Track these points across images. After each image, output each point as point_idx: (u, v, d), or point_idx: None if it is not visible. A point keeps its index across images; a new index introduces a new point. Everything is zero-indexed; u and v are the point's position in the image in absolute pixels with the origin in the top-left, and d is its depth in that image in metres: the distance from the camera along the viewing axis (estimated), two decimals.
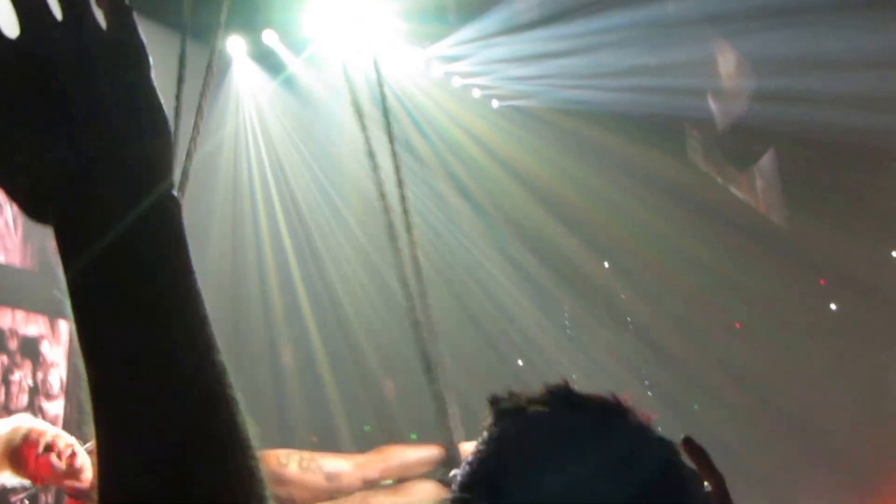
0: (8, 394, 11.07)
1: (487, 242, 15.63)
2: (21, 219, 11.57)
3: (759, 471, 12.90)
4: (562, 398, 1.55)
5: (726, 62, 14.19)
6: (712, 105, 14.71)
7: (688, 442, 1.52)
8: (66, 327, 11.93)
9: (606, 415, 1.51)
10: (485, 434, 1.55)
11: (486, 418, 1.57)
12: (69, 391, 11.79)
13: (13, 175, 1.06)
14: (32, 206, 1.08)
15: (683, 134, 15.00)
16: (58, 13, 1.11)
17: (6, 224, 11.53)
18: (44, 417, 11.45)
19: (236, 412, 1.04)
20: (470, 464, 1.51)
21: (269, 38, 13.03)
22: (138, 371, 1.02)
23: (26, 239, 11.71)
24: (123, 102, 1.09)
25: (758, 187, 15.59)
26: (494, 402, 1.59)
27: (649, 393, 15.93)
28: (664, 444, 1.50)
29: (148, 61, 1.14)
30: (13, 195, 1.08)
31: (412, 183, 14.73)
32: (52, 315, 11.78)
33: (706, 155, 15.29)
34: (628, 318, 16.64)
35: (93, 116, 1.07)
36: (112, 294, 1.04)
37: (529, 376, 15.91)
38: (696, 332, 15.62)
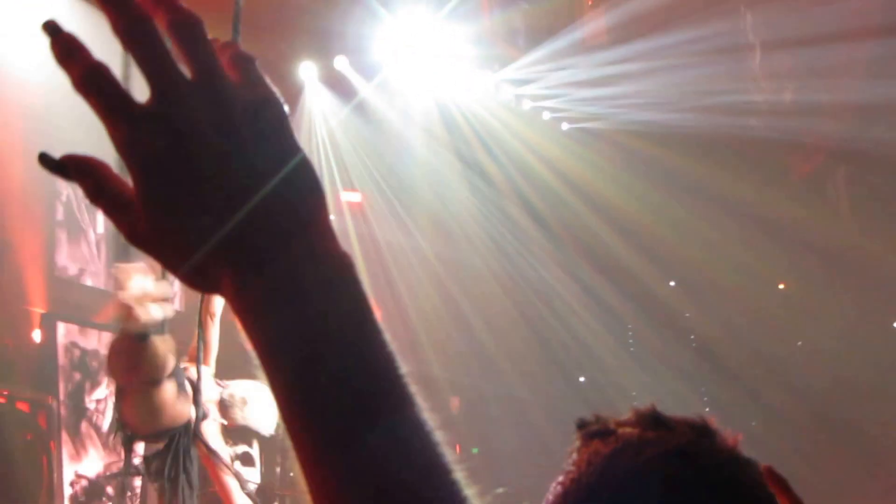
0: (93, 413, 11.31)
1: (554, 261, 15.68)
2: (104, 244, 11.90)
3: (820, 490, 12.82)
4: (651, 420, 1.54)
5: (799, 81, 14.13)
6: (785, 124, 14.65)
7: (770, 471, 1.53)
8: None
9: (696, 436, 1.50)
10: (574, 456, 1.53)
11: (573, 441, 1.56)
12: None
13: (179, 253, 1.03)
14: (202, 283, 1.05)
15: (754, 154, 14.93)
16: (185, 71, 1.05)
17: (90, 249, 11.82)
18: None
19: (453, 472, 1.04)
20: (561, 484, 1.50)
21: (340, 63, 13.21)
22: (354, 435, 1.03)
23: (110, 263, 12.00)
24: (274, 164, 1.05)
25: (828, 206, 15.48)
26: (582, 425, 1.57)
27: (707, 409, 15.86)
28: (752, 466, 1.50)
29: (286, 115, 1.09)
30: (180, 273, 1.04)
31: (482, 205, 14.90)
32: None
33: (778, 175, 15.21)
34: (692, 337, 16.57)
35: (247, 185, 1.04)
36: (322, 375, 1.04)
37: (592, 393, 15.98)
38: (758, 351, 15.53)
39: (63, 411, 10.88)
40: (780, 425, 14.84)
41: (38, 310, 10.91)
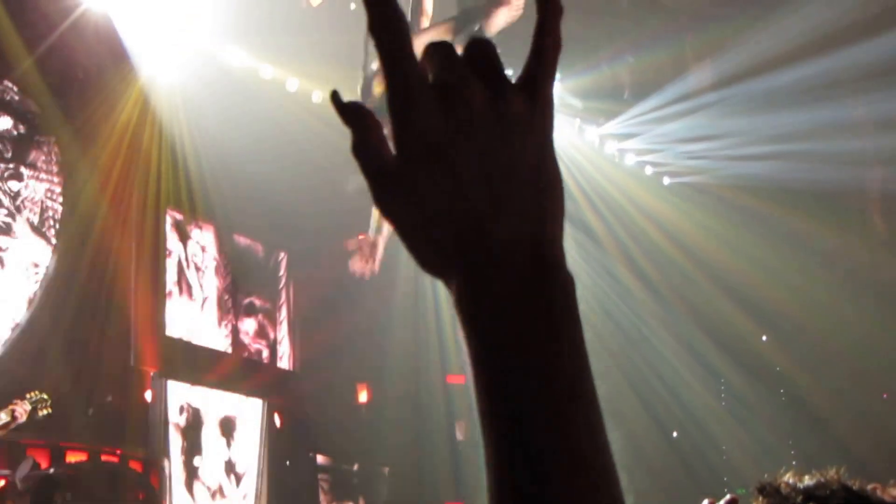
0: (200, 467, 11.40)
1: (652, 315, 15.66)
2: (217, 303, 11.99)
3: None
4: (843, 491, 1.54)
5: None
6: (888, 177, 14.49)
7: None
8: (260, 406, 12.27)
9: None
10: None
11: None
12: (261, 469, 12.06)
13: (426, 227, 1.06)
14: (437, 261, 1.07)
15: (858, 208, 14.83)
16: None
17: (200, 309, 11.92)
18: (235, 492, 11.77)
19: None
20: None
21: None
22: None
23: (220, 322, 12.08)
24: (521, 165, 1.06)
25: None
26: (765, 491, 1.60)
27: (794, 462, 15.71)
28: None
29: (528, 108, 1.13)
30: (418, 248, 1.07)
31: (585, 260, 14.86)
32: (246, 394, 12.12)
33: (881, 230, 15.06)
34: (781, 391, 16.50)
35: (500, 184, 1.05)
36: (525, 373, 1.02)
37: (685, 446, 15.91)
38: (851, 404, 15.41)
39: (174, 470, 10.93)
40: (870, 479, 14.61)
41: (149, 369, 10.97)
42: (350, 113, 1.09)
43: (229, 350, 12.19)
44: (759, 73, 13.11)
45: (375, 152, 1.08)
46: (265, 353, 12.75)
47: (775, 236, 15.02)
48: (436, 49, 1.09)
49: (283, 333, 12.92)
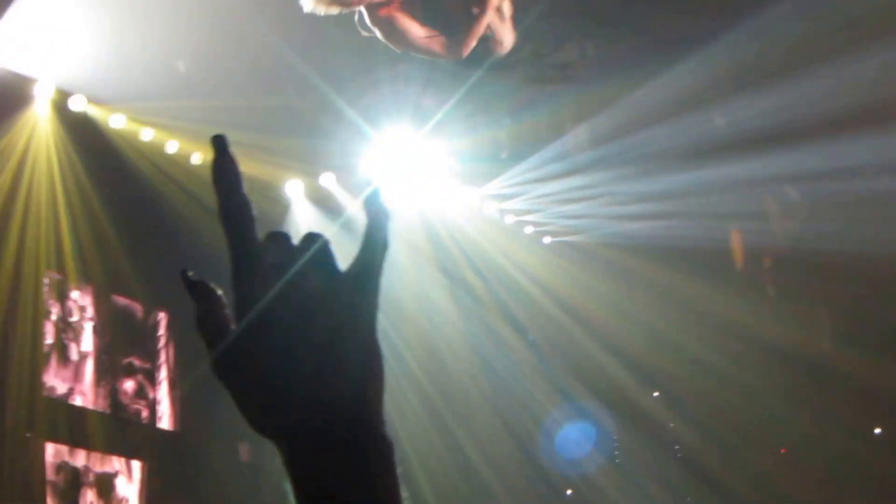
0: None
1: (539, 375, 15.76)
2: (95, 363, 11.95)
3: None
4: None
5: (779, 191, 14.36)
6: (765, 236, 14.86)
7: None
8: (139, 467, 12.20)
9: None
10: None
11: None
12: None
13: (259, 392, 1.22)
14: (268, 424, 1.23)
15: (733, 265, 15.16)
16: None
17: (77, 369, 11.86)
18: None
19: None
20: None
21: (327, 180, 13.37)
22: None
23: (98, 382, 12.04)
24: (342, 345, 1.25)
25: (806, 319, 15.67)
26: None
27: None
28: None
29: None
30: (251, 412, 1.23)
31: (467, 319, 15.02)
32: (128, 455, 12.06)
33: (756, 286, 15.41)
34: (676, 447, 16.65)
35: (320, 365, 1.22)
36: None
37: None
38: (743, 460, 15.63)
39: None
40: None
41: (25, 431, 10.90)
42: (197, 289, 1.29)
43: (108, 411, 12.13)
44: (635, 133, 13.40)
45: (217, 324, 1.25)
46: (144, 414, 12.68)
47: (654, 294, 15.32)
48: (275, 236, 1.29)
49: (162, 393, 12.88)
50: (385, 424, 1.25)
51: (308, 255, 1.27)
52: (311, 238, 1.30)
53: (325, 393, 1.21)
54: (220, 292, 1.28)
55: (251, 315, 1.22)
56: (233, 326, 1.24)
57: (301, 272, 1.25)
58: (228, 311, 1.26)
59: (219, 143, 1.33)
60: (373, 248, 1.31)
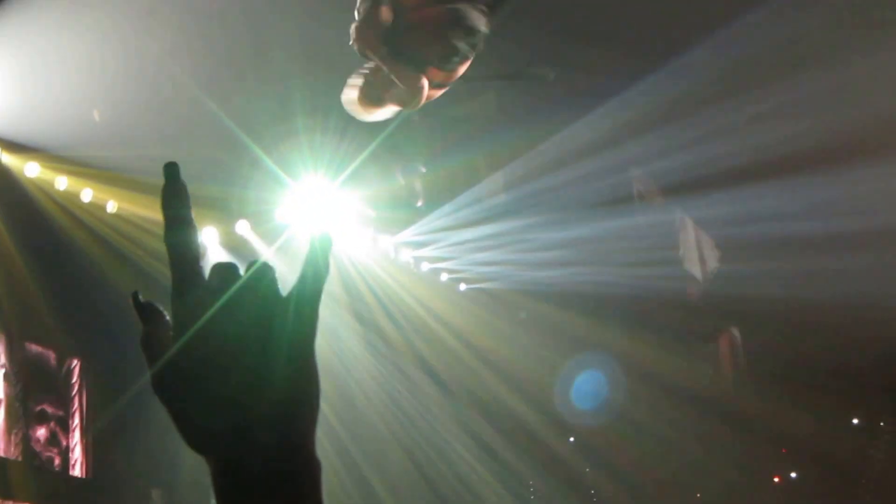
0: None
1: (454, 421, 15.80)
2: (6, 411, 11.83)
3: None
4: None
5: (689, 237, 14.59)
6: (676, 282, 15.07)
7: None
8: None
9: None
10: None
11: None
12: None
13: (194, 409, 1.29)
14: (202, 440, 1.30)
15: (644, 312, 15.34)
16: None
17: None
18: None
19: None
20: None
21: (242, 228, 13.39)
22: None
23: (10, 430, 11.91)
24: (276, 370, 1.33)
25: (719, 363, 15.90)
26: None
27: None
28: None
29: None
30: (187, 428, 1.30)
31: (380, 363, 15.07)
32: (40, 503, 11.94)
33: (669, 333, 15.59)
34: (592, 492, 16.74)
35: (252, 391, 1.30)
36: None
37: None
38: None
39: None
40: None
41: None
42: (146, 310, 1.38)
43: (20, 458, 12.01)
44: (548, 180, 13.57)
45: (159, 344, 1.31)
46: (57, 461, 12.56)
47: (569, 342, 15.47)
48: (221, 265, 1.37)
49: (75, 441, 12.77)
50: (314, 446, 1.33)
51: (248, 279, 1.34)
52: (255, 266, 1.39)
53: (255, 412, 1.27)
54: (166, 315, 1.35)
55: (189, 334, 1.29)
56: (171, 346, 1.31)
57: (240, 295, 1.32)
58: (170, 333, 1.33)
59: (170, 170, 1.42)
60: (312, 274, 1.41)
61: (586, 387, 15.72)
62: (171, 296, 1.35)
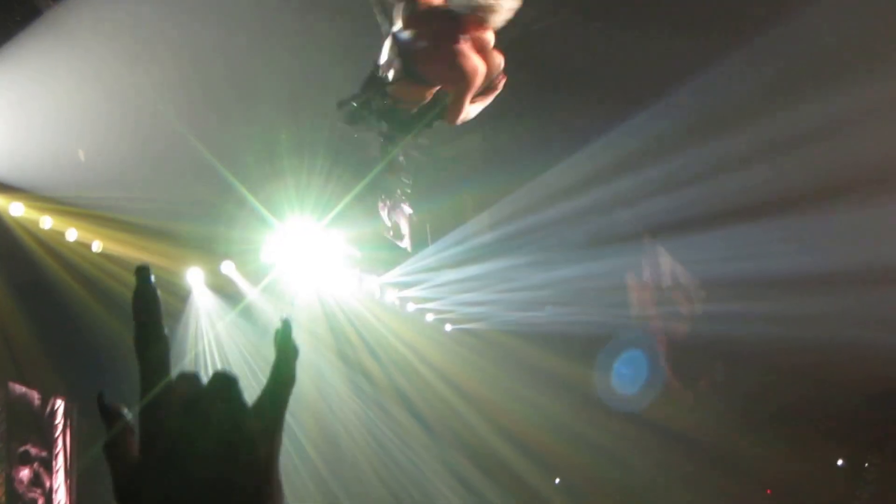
0: None
1: (437, 460, 15.79)
2: None
3: None
4: None
5: (675, 281, 14.67)
6: (660, 324, 15.14)
7: None
8: None
9: None
10: None
11: None
12: None
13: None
14: None
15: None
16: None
17: None
18: None
19: None
20: None
21: (227, 268, 13.41)
22: None
23: None
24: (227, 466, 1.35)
25: (703, 404, 15.94)
26: None
27: None
28: None
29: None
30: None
31: (365, 403, 15.07)
32: None
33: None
34: None
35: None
36: None
37: None
38: None
39: None
40: None
41: None
42: (110, 415, 1.41)
43: (3, 500, 11.97)
44: (533, 222, 13.65)
45: (123, 453, 1.34)
46: (40, 502, 12.53)
47: (554, 382, 15.50)
48: (186, 375, 1.42)
49: (59, 482, 12.73)
50: None
51: (212, 390, 1.40)
52: (219, 376, 1.42)
53: None
54: (129, 418, 1.40)
55: (157, 447, 1.33)
56: (137, 454, 1.35)
57: (206, 407, 1.37)
58: (135, 438, 1.36)
59: (141, 274, 1.44)
60: (279, 384, 1.44)
61: (626, 370, 15.62)
62: (140, 406, 1.38)
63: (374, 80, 6.40)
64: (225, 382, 1.40)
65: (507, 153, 13.05)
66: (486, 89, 6.53)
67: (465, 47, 6.19)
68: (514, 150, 12.97)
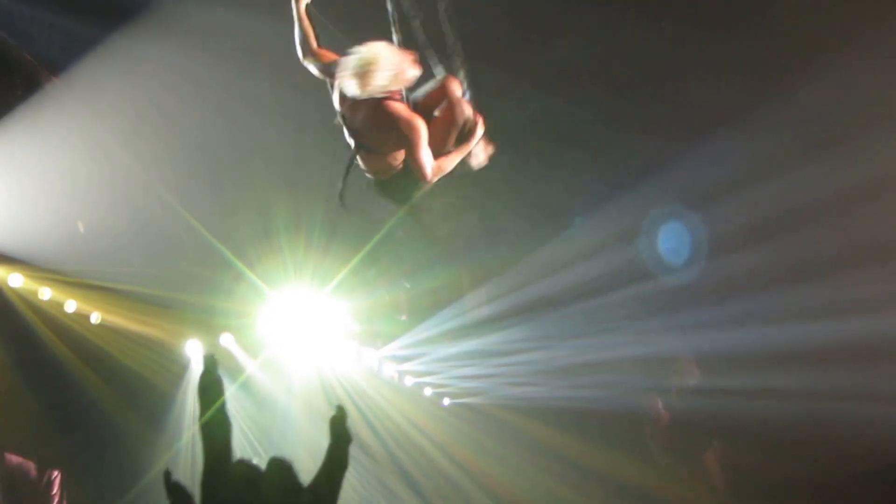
0: None
1: None
2: None
3: None
4: None
5: (670, 357, 14.69)
6: (655, 398, 15.13)
7: None
8: None
9: None
10: None
11: None
12: None
13: None
14: None
15: (624, 428, 15.38)
16: None
17: None
18: None
19: None
20: None
21: (226, 341, 13.45)
22: None
23: None
24: None
25: (698, 478, 15.89)
26: None
27: None
28: None
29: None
30: None
31: (363, 477, 15.02)
32: None
33: (649, 448, 15.62)
34: None
35: None
36: None
37: None
38: None
39: None
40: None
41: None
42: (176, 492, 1.53)
43: None
44: (531, 302, 13.71)
45: None
46: None
47: (547, 455, 15.47)
48: (244, 460, 1.53)
49: None
50: None
51: (272, 472, 1.50)
52: (276, 461, 1.53)
53: None
54: (193, 497, 1.51)
55: None
56: None
57: (266, 487, 1.48)
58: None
59: (207, 362, 1.56)
60: (334, 467, 1.55)
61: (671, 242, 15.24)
62: (202, 481, 1.49)
63: (351, 161, 6.45)
64: (282, 465, 1.52)
65: (504, 230, 13.13)
66: (462, 139, 6.47)
67: (390, 106, 6.18)
68: (510, 226, 13.04)
